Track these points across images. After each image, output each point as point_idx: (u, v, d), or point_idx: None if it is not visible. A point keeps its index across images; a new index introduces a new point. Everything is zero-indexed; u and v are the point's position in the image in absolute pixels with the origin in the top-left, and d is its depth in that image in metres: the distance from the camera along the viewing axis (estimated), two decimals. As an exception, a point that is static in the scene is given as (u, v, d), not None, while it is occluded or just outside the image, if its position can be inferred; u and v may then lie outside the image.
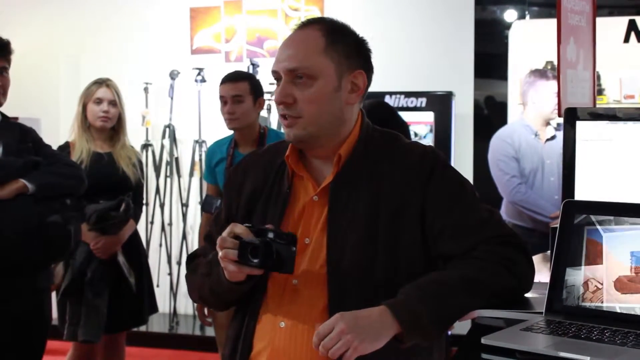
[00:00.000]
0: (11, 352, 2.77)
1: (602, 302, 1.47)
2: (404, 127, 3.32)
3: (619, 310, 1.45)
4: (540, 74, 4.47)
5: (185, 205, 5.89)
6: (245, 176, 1.83)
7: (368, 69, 1.75)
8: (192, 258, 1.91)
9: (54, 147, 3.12)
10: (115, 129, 3.73)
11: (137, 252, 3.81)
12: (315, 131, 1.68)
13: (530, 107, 4.42)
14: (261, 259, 1.55)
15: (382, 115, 3.12)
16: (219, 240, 1.61)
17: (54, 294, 3.40)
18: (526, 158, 4.33)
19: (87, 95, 3.67)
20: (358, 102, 1.75)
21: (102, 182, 3.41)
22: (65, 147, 3.62)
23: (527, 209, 4.31)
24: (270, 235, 1.58)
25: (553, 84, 4.30)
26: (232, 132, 3.70)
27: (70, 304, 3.55)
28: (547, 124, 4.37)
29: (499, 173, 4.42)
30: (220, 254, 1.60)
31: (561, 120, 1.93)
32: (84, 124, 3.67)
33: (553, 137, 4.35)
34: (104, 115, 3.65)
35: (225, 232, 1.61)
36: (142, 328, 5.06)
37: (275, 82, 1.73)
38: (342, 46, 1.70)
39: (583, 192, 1.78)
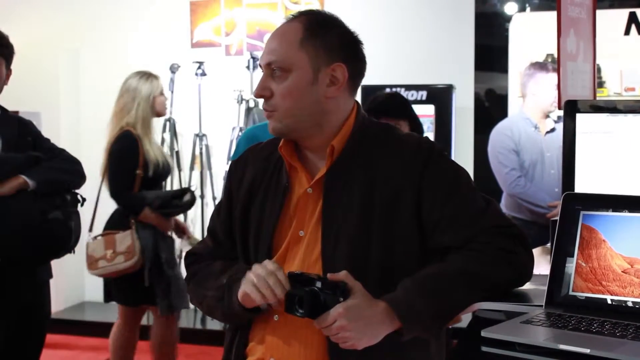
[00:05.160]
0: (12, 345, 2.78)
1: (599, 294, 1.47)
2: (416, 119, 3.32)
3: (616, 303, 1.45)
4: (540, 66, 4.47)
5: (185, 198, 5.88)
6: (245, 169, 1.82)
7: (354, 62, 1.72)
8: (191, 257, 1.89)
9: (53, 141, 3.07)
10: None
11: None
12: (291, 124, 1.68)
13: (530, 99, 4.41)
14: (307, 310, 1.52)
15: (398, 104, 3.11)
16: (262, 279, 1.58)
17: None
18: (526, 151, 4.32)
19: (157, 88, 3.84)
20: (349, 95, 1.73)
21: (165, 173, 3.95)
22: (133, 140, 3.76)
23: (526, 202, 4.30)
24: (318, 284, 1.53)
25: (552, 76, 4.29)
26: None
27: (157, 284, 3.78)
28: (547, 116, 4.37)
29: (498, 166, 4.41)
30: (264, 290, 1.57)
31: (561, 112, 1.93)
32: (150, 116, 3.83)
33: (553, 130, 4.34)
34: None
35: (268, 271, 1.58)
36: (144, 321, 5.05)
37: None
38: (322, 39, 1.68)
39: (583, 184, 1.78)
